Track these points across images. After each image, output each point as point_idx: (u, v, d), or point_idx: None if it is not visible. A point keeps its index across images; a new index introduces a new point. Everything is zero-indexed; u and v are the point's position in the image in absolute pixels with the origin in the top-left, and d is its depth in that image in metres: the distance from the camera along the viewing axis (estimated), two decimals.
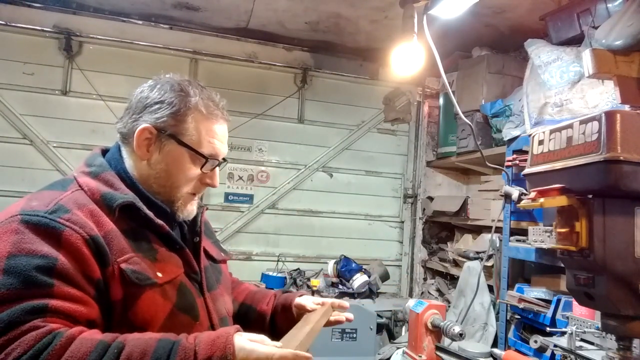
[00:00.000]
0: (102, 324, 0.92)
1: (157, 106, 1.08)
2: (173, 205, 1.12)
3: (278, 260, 3.75)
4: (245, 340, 0.87)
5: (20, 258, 0.84)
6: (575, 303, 1.80)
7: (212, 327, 1.11)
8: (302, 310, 1.30)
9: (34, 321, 0.80)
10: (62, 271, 0.86)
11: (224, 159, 1.17)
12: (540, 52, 2.43)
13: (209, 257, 1.26)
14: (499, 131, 2.93)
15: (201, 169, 1.11)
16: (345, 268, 3.53)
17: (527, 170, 1.33)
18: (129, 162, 1.11)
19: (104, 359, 0.80)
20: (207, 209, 1.32)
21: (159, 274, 1.01)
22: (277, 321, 1.36)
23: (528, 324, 2.35)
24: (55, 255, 0.86)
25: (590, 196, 1.13)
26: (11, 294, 0.81)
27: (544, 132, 1.29)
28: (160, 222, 1.06)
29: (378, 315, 3.30)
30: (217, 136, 1.13)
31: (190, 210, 1.15)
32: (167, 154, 1.09)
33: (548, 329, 1.97)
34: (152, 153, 1.09)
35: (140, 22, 3.56)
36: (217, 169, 1.16)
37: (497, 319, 2.70)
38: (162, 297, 1.00)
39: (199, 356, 0.84)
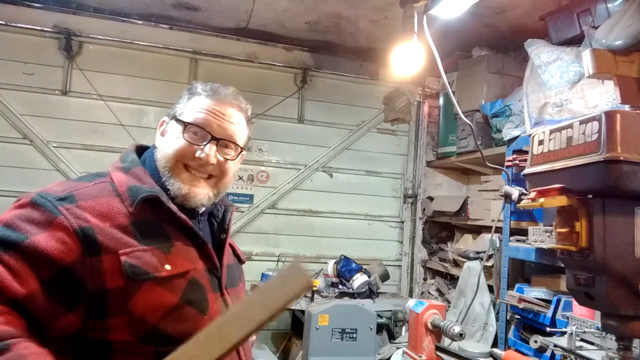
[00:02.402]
0: (43, 305, 0.91)
1: (174, 105, 1.24)
2: (171, 179, 1.13)
3: (278, 260, 3.75)
4: None
5: (6, 229, 0.93)
6: (575, 303, 1.80)
7: None
8: None
9: None
10: (26, 248, 0.92)
11: (217, 138, 1.15)
12: (540, 52, 2.43)
13: (235, 255, 1.30)
14: (499, 131, 2.93)
15: (182, 135, 1.14)
16: (345, 268, 3.53)
17: (527, 170, 1.34)
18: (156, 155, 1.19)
19: None
20: (236, 208, 1.35)
21: (167, 267, 1.03)
22: None
23: (528, 324, 2.35)
24: (31, 235, 0.93)
25: (590, 196, 1.13)
26: None
27: (544, 132, 1.29)
28: (183, 216, 1.10)
29: (378, 315, 3.30)
30: (206, 109, 1.17)
31: (187, 190, 1.13)
32: (169, 132, 1.19)
33: (548, 329, 1.97)
34: (165, 137, 1.20)
35: (140, 22, 3.55)
36: (211, 145, 1.14)
37: (497, 319, 2.70)
38: (166, 289, 1.02)
39: None
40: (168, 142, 1.16)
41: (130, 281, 0.98)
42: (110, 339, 0.97)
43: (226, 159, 1.18)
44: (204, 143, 1.14)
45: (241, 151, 1.23)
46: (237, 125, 1.20)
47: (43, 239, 0.93)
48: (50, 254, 0.93)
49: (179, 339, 0.99)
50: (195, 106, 1.17)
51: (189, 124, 1.14)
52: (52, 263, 0.93)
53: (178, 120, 1.17)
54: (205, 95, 1.18)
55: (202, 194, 1.15)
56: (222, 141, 1.16)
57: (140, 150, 1.24)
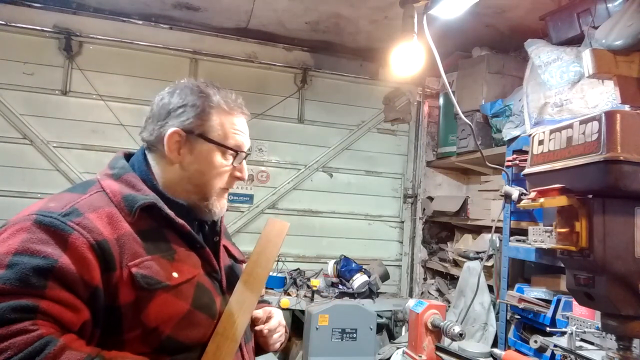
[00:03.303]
0: (91, 329, 0.93)
1: (181, 110, 1.12)
2: (207, 202, 1.14)
3: (278, 260, 3.74)
4: None
5: (24, 257, 0.86)
6: (575, 303, 1.80)
7: None
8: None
9: (24, 323, 0.81)
10: (60, 273, 0.87)
11: (248, 150, 1.19)
12: (540, 52, 2.43)
13: (231, 256, 1.29)
14: (499, 131, 2.93)
15: (232, 162, 1.15)
16: (345, 268, 3.53)
17: (527, 170, 1.33)
18: (157, 169, 1.13)
19: None
20: (226, 209, 1.34)
21: (175, 275, 1.02)
22: None
23: (528, 324, 2.35)
24: (57, 257, 0.88)
25: (590, 196, 1.13)
26: (6, 288, 0.83)
27: (544, 132, 1.29)
28: (181, 221, 1.08)
29: (378, 315, 3.30)
30: (240, 129, 1.17)
31: (223, 205, 1.17)
32: (198, 153, 1.12)
33: (548, 329, 1.97)
34: (184, 156, 1.12)
35: (140, 22, 3.56)
36: (244, 161, 1.18)
37: (497, 319, 2.70)
38: (177, 297, 1.01)
39: None
40: (203, 165, 1.12)
41: (142, 292, 0.96)
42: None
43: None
44: (240, 162, 1.17)
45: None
46: None
47: (67, 261, 0.89)
48: (80, 275, 0.90)
49: (192, 346, 1.02)
50: (228, 124, 1.15)
51: (234, 150, 1.15)
52: (86, 284, 0.91)
53: (210, 140, 1.12)
54: (229, 109, 1.16)
55: (225, 204, 1.19)
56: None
57: (128, 156, 1.19)
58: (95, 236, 0.94)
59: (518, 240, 2.48)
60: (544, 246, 2.04)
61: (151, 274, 0.98)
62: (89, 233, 0.93)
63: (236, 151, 1.14)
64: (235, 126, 1.16)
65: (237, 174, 1.16)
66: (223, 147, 1.13)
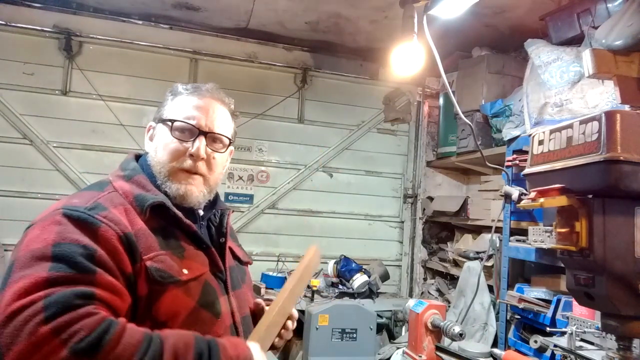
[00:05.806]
0: (129, 317, 0.95)
1: (157, 108, 1.24)
2: (163, 183, 1.13)
3: (278, 260, 3.74)
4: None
5: (65, 245, 0.89)
6: (575, 303, 1.80)
7: (234, 325, 1.15)
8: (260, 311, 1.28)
9: (87, 307, 0.84)
10: (101, 261, 0.91)
11: (205, 132, 1.16)
12: (540, 52, 2.43)
13: (235, 257, 1.31)
14: (499, 131, 2.93)
15: (171, 134, 1.15)
16: (345, 268, 3.53)
17: (527, 170, 1.33)
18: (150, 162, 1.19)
19: (151, 345, 0.85)
20: (232, 211, 1.37)
21: (185, 271, 1.05)
22: None
23: (528, 324, 2.35)
24: (94, 246, 0.91)
25: (590, 196, 1.13)
26: (62, 277, 0.85)
27: (544, 132, 1.29)
28: (188, 221, 1.11)
29: (378, 315, 3.30)
30: (191, 106, 1.18)
31: (179, 188, 1.13)
32: (157, 135, 1.20)
33: (548, 329, 1.97)
34: (152, 143, 1.20)
35: (140, 22, 3.55)
36: (200, 139, 1.15)
37: (497, 319, 2.70)
38: (186, 294, 1.04)
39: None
40: (159, 146, 1.17)
41: (155, 286, 0.99)
42: None
43: (215, 152, 1.19)
44: (193, 138, 1.15)
45: (230, 144, 1.24)
46: (222, 119, 1.22)
47: (102, 251, 0.92)
48: (115, 264, 0.93)
49: None
50: (179, 105, 1.18)
51: (175, 121, 1.15)
52: (122, 272, 0.94)
53: (164, 122, 1.17)
54: (187, 93, 1.20)
55: (197, 191, 1.16)
56: (210, 135, 1.18)
57: (138, 157, 1.24)
58: (122, 228, 0.98)
59: (518, 240, 2.48)
60: (544, 246, 2.04)
61: (165, 267, 1.01)
62: (117, 225, 0.97)
63: (173, 121, 1.15)
64: (186, 104, 1.18)
65: (189, 151, 1.14)
66: (165, 122, 1.17)
